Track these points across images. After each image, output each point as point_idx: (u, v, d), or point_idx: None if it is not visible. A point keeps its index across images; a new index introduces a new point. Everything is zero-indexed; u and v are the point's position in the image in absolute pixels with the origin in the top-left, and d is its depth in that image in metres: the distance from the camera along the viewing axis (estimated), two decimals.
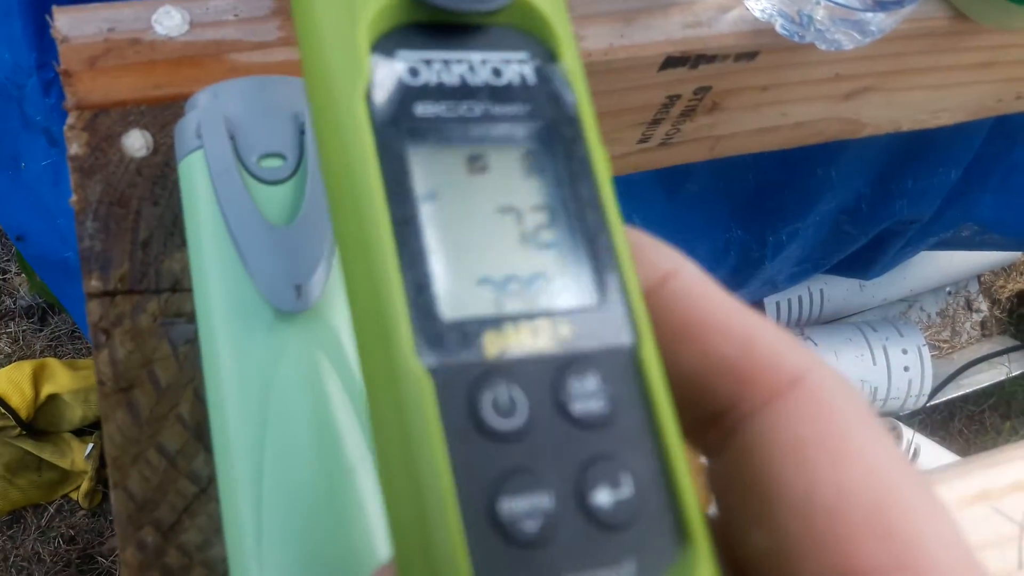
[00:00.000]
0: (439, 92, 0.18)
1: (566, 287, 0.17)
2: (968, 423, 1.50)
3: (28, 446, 1.16)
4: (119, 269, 0.32)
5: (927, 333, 1.53)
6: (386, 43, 0.18)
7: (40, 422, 1.19)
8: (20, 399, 1.14)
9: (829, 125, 0.54)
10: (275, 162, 0.29)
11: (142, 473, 0.29)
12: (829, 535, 0.15)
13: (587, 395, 0.16)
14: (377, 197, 0.16)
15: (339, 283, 0.28)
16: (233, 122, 0.29)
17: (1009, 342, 1.55)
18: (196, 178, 0.29)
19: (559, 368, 0.16)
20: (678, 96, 0.45)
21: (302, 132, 0.29)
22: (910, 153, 0.81)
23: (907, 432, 1.25)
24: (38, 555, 1.21)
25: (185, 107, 0.31)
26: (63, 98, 0.64)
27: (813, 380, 0.16)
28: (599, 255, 0.18)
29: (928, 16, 0.46)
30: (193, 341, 0.31)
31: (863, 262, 1.05)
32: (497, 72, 0.18)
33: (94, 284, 0.31)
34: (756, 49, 0.43)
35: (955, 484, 0.38)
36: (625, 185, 0.36)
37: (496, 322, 0.16)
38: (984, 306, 1.60)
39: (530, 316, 0.17)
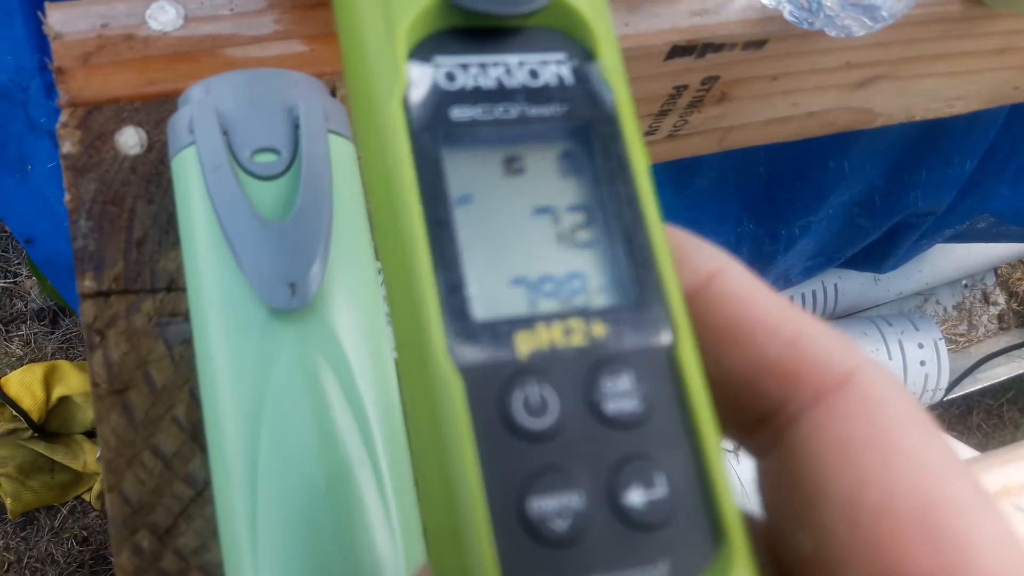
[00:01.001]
0: (475, 95, 0.18)
1: (602, 286, 0.17)
2: (986, 417, 1.48)
3: (40, 448, 1.16)
4: (113, 269, 0.31)
5: (943, 327, 1.51)
6: (423, 49, 0.18)
7: (52, 424, 1.19)
8: (32, 401, 1.14)
9: (841, 115, 0.53)
10: (269, 157, 0.28)
11: (137, 476, 0.29)
12: (876, 537, 0.14)
13: (620, 394, 0.16)
14: (412, 200, 0.16)
15: (335, 281, 0.27)
16: (226, 117, 0.28)
17: None
18: (189, 174, 0.28)
19: (592, 367, 0.16)
20: (685, 86, 0.44)
21: (296, 127, 0.29)
22: (924, 144, 0.80)
23: None
24: (51, 556, 1.21)
25: (178, 102, 0.30)
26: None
27: (862, 378, 0.16)
28: (636, 254, 0.17)
29: (941, 1, 0.45)
30: (189, 341, 0.30)
31: (877, 255, 1.04)
32: (534, 73, 0.18)
33: (88, 284, 0.31)
34: (765, 37, 0.42)
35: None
36: None
37: (528, 322, 0.16)
38: (1001, 299, 1.58)
39: (563, 316, 0.17)
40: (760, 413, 0.17)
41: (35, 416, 1.15)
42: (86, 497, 1.24)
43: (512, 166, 0.18)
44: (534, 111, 0.18)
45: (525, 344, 0.16)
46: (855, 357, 0.16)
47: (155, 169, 0.32)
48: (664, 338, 0.17)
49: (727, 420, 0.17)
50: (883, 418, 0.15)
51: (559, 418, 0.16)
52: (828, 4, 0.40)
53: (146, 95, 0.34)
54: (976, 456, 0.37)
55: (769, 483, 0.17)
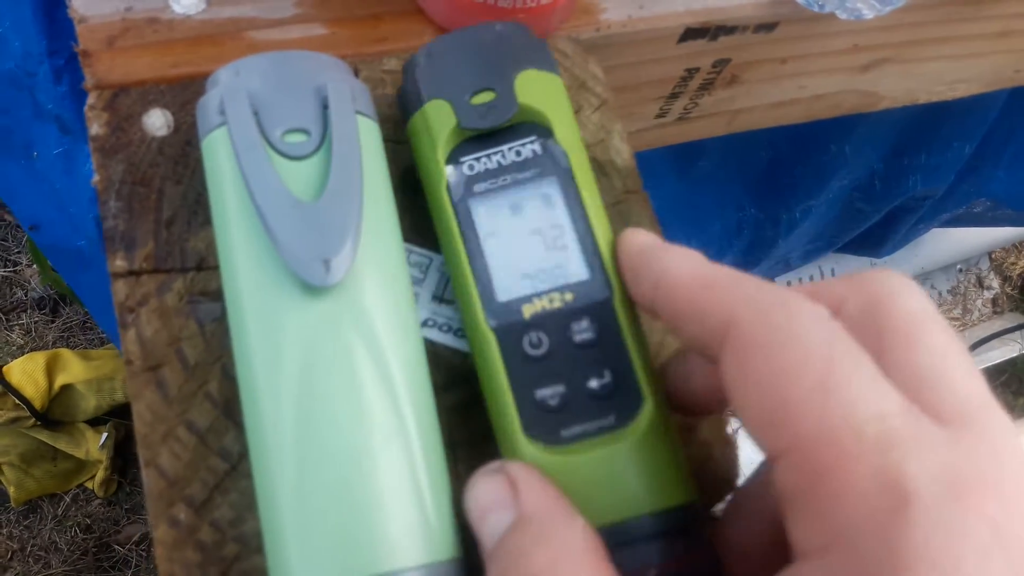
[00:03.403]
0: (486, 175, 0.30)
1: (571, 270, 0.29)
2: None
3: (43, 436, 1.17)
4: (144, 248, 0.31)
5: (939, 310, 1.52)
6: (455, 154, 0.31)
7: (54, 412, 1.19)
8: (34, 390, 1.14)
9: (846, 98, 0.54)
10: (299, 137, 0.29)
11: (172, 450, 0.29)
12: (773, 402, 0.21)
13: (583, 331, 0.28)
14: (457, 241, 0.30)
15: (364, 258, 0.28)
16: (256, 98, 0.29)
17: (1021, 319, 1.55)
18: (220, 155, 0.29)
19: (565, 317, 0.28)
20: (697, 69, 0.44)
21: (325, 107, 0.29)
22: (924, 128, 0.80)
23: None
24: (55, 544, 1.21)
25: (206, 85, 0.31)
26: (74, 85, 0.64)
27: (740, 327, 0.22)
28: (589, 249, 0.29)
29: None
30: (220, 319, 0.31)
31: (875, 240, 1.05)
32: (518, 152, 0.31)
33: (119, 264, 0.31)
34: (776, 20, 0.42)
35: None
36: (636, 163, 0.36)
37: (529, 299, 0.29)
38: (995, 283, 1.59)
39: (549, 292, 0.29)
40: (706, 350, 0.24)
41: (37, 404, 1.15)
42: (89, 485, 1.24)
43: (515, 209, 0.30)
44: (520, 176, 0.30)
45: (528, 311, 0.29)
46: (729, 306, 0.23)
47: (182, 150, 0.33)
48: (606, 295, 0.29)
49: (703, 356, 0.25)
50: (751, 366, 0.22)
51: (549, 348, 0.28)
52: None
53: (171, 77, 0.34)
54: None
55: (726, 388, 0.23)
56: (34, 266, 1.28)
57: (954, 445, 0.19)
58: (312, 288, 0.27)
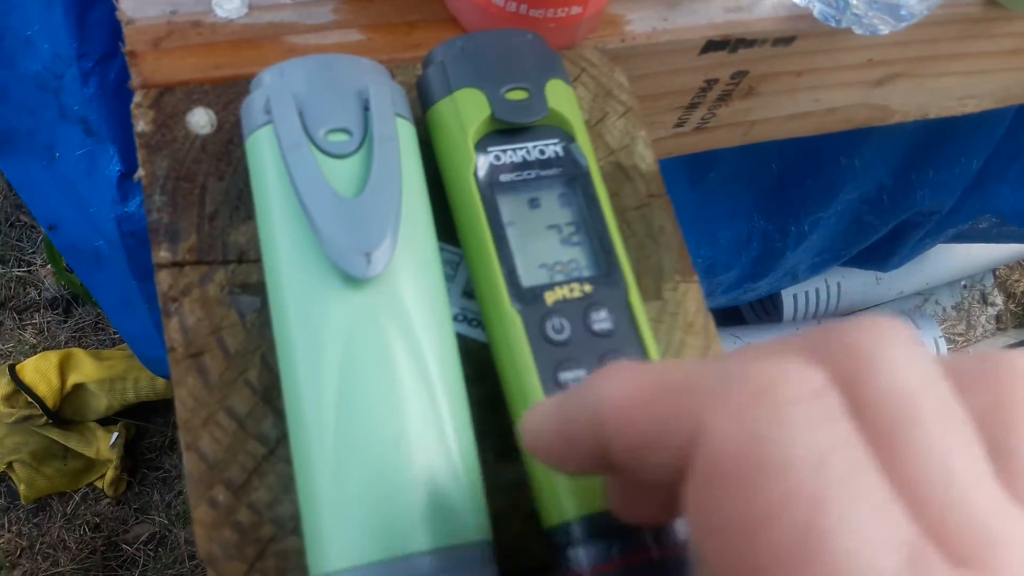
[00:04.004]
0: (512, 167, 0.32)
1: (587, 265, 0.31)
2: None
3: (54, 435, 1.18)
4: (187, 241, 0.33)
5: (943, 326, 1.53)
6: (481, 144, 0.32)
7: (66, 411, 1.20)
8: (47, 388, 1.16)
9: (859, 111, 0.55)
10: (341, 136, 0.30)
11: (212, 435, 0.31)
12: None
13: (601, 320, 0.30)
14: (484, 226, 0.31)
15: (405, 254, 0.29)
16: (300, 98, 0.30)
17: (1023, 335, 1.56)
18: (265, 153, 0.30)
19: (585, 307, 0.30)
20: (716, 80, 0.46)
21: (366, 108, 0.30)
22: (932, 143, 0.82)
23: None
24: (64, 542, 1.22)
25: (250, 86, 0.32)
26: (102, 88, 0.65)
27: (708, 444, 0.16)
28: (604, 247, 0.31)
29: (962, 1, 0.47)
30: (260, 310, 0.32)
31: (882, 254, 1.06)
32: (542, 151, 0.32)
33: (163, 255, 0.32)
34: (794, 34, 0.44)
35: None
36: None
37: (551, 286, 0.30)
38: (999, 300, 1.60)
39: (568, 282, 0.30)
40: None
41: (50, 403, 1.16)
42: (98, 484, 1.25)
43: (533, 203, 0.32)
44: (543, 172, 0.32)
45: (550, 298, 0.30)
46: (697, 416, 0.16)
47: (224, 148, 0.34)
48: (622, 290, 0.31)
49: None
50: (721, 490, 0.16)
51: (571, 334, 0.29)
52: (855, 3, 0.42)
53: (213, 79, 0.35)
54: None
55: None
56: (48, 266, 1.30)
57: None
58: (353, 280, 0.28)
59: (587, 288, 0.30)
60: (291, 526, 0.30)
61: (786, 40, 0.44)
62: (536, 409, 0.21)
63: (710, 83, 0.46)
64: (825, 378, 0.16)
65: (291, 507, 0.30)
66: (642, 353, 0.30)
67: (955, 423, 0.16)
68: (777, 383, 0.16)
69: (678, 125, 0.49)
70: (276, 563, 0.29)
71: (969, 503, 0.15)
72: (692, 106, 0.47)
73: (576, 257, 0.31)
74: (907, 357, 0.16)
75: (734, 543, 0.15)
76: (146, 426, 1.30)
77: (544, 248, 0.31)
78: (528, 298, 0.30)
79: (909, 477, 0.15)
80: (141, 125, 0.34)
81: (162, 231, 0.33)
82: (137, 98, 0.35)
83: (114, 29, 0.45)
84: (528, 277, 0.30)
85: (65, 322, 1.34)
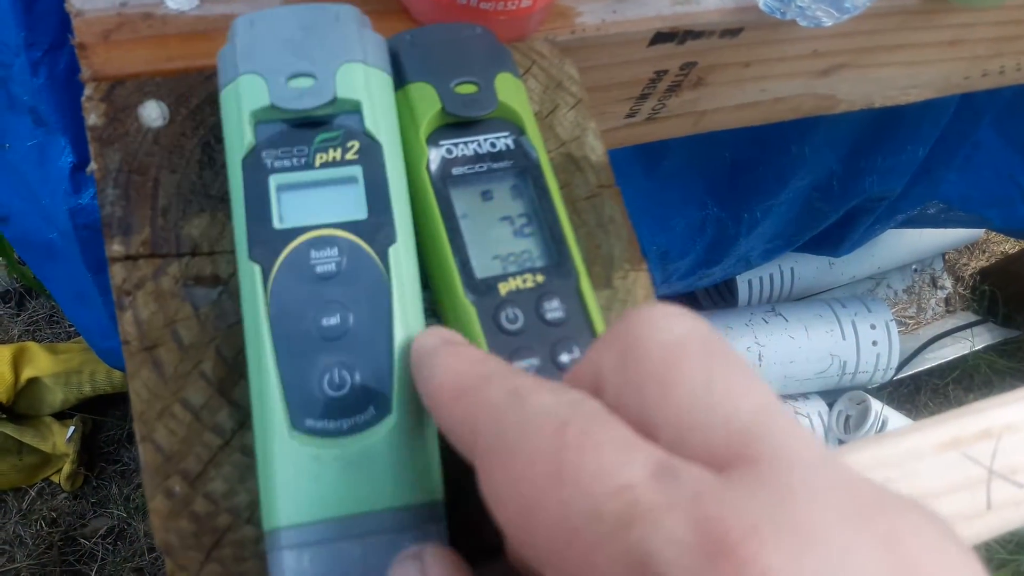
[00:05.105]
0: (463, 160, 0.33)
1: (539, 256, 0.32)
2: (933, 396, 1.55)
3: (9, 430, 1.16)
4: (140, 234, 0.33)
5: (894, 309, 1.57)
6: (433, 137, 0.33)
7: (20, 406, 1.19)
8: (0, 383, 1.14)
9: (806, 101, 0.56)
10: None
11: (168, 427, 0.31)
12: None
13: (553, 309, 0.30)
14: (437, 217, 0.31)
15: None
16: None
17: (972, 317, 1.60)
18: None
19: (538, 297, 0.31)
20: (665, 71, 0.46)
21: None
22: (880, 131, 0.84)
23: (876, 405, 1.29)
24: (20, 538, 1.21)
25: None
26: (51, 78, 0.64)
27: (481, 439, 0.20)
28: (556, 237, 0.32)
29: None
30: (214, 302, 0.32)
31: (834, 239, 1.08)
32: (493, 144, 0.33)
33: (116, 248, 0.32)
34: (740, 25, 0.45)
35: (927, 433, 0.40)
36: None
37: (504, 277, 0.31)
38: (948, 283, 1.64)
39: (521, 272, 0.31)
40: None
41: (3, 398, 1.14)
42: (55, 479, 1.24)
43: (486, 196, 0.32)
44: (495, 165, 0.33)
45: (504, 288, 0.31)
46: (474, 421, 0.21)
47: (177, 141, 0.34)
48: (573, 280, 0.31)
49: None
50: None
51: (524, 323, 0.30)
52: None
53: (165, 71, 0.35)
54: (931, 416, 0.40)
55: None
56: (0, 259, 1.27)
57: (724, 492, 0.16)
58: None
59: (539, 278, 0.31)
60: (247, 515, 0.30)
61: (733, 32, 0.45)
62: (416, 341, 0.27)
63: (660, 74, 0.47)
64: (582, 389, 0.20)
65: (247, 496, 0.30)
66: (593, 340, 0.31)
67: (720, 354, 0.19)
68: (533, 393, 0.20)
69: (630, 115, 0.50)
70: (233, 552, 0.30)
71: (732, 417, 0.17)
72: (643, 97, 0.48)
73: (529, 248, 0.32)
74: (671, 320, 0.20)
75: (509, 510, 0.18)
76: (103, 420, 1.28)
77: (497, 239, 0.32)
78: (482, 289, 0.30)
79: (674, 413, 0.18)
80: (92, 118, 0.34)
81: (115, 224, 0.33)
82: (88, 91, 0.34)
83: (63, 18, 0.45)
84: (482, 268, 0.31)
85: (18, 315, 1.31)
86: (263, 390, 0.28)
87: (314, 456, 0.27)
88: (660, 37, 0.43)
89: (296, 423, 0.27)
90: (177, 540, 0.30)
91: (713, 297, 1.45)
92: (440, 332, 0.26)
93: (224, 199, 0.34)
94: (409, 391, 0.28)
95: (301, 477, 0.27)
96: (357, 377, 0.28)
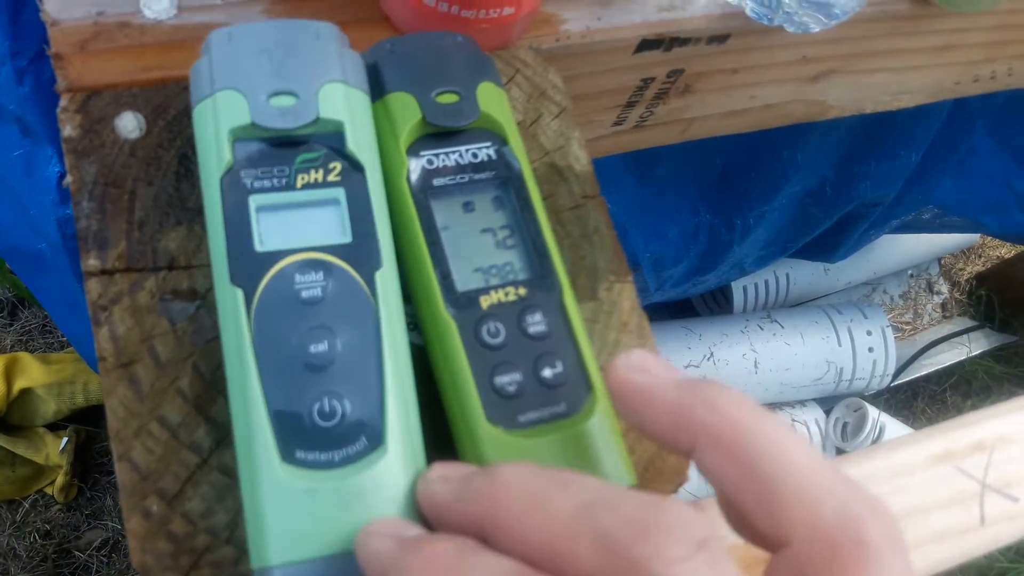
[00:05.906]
0: (444, 170, 0.32)
1: (521, 268, 0.31)
2: (930, 402, 1.54)
3: (1, 441, 1.15)
4: (116, 248, 0.32)
5: (890, 315, 1.56)
6: (414, 148, 0.32)
7: (13, 417, 1.18)
8: None
9: (796, 107, 0.56)
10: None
11: (145, 445, 0.30)
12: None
13: (535, 323, 0.30)
14: (417, 229, 0.30)
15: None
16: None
17: (968, 323, 1.59)
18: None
19: (520, 310, 0.30)
20: (652, 78, 0.46)
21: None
22: (873, 136, 0.83)
23: (872, 412, 1.28)
24: (14, 551, 1.20)
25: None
26: (37, 87, 0.64)
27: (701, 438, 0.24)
28: (539, 249, 0.31)
29: (891, 0, 0.47)
30: (191, 317, 0.32)
31: (828, 245, 1.08)
32: (475, 155, 0.32)
33: (92, 263, 0.32)
34: (727, 32, 0.44)
35: (921, 446, 0.39)
36: (596, 169, 0.38)
37: (486, 290, 0.30)
38: (944, 288, 1.64)
39: (503, 285, 0.30)
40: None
41: None
42: (48, 491, 1.23)
43: (467, 207, 0.32)
44: (477, 176, 0.32)
45: (485, 302, 0.30)
46: (696, 425, 0.24)
47: (154, 152, 0.34)
48: (556, 293, 0.31)
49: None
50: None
51: (506, 338, 0.30)
52: (787, 1, 0.42)
53: (142, 81, 0.35)
54: (923, 429, 0.40)
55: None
56: None
57: None
58: None
59: (522, 291, 0.30)
60: (226, 535, 0.30)
61: (720, 38, 0.45)
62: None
63: (646, 81, 0.46)
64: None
65: (225, 516, 0.30)
66: (576, 354, 0.30)
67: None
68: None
69: (617, 123, 0.49)
70: (211, 572, 0.29)
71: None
72: (630, 104, 0.48)
73: (511, 260, 0.31)
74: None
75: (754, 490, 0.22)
76: (96, 431, 1.28)
77: (479, 252, 0.31)
78: (463, 303, 0.30)
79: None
80: (68, 130, 0.34)
81: (91, 238, 0.32)
82: (63, 102, 0.34)
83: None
84: (463, 282, 0.30)
85: (11, 325, 1.31)
86: (249, 420, 0.27)
87: (306, 489, 0.26)
88: (646, 44, 0.42)
89: (285, 455, 0.26)
90: (155, 561, 0.29)
91: (709, 304, 1.44)
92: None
93: (202, 212, 0.33)
94: (401, 421, 0.27)
95: (292, 511, 0.26)
96: (348, 407, 0.27)
